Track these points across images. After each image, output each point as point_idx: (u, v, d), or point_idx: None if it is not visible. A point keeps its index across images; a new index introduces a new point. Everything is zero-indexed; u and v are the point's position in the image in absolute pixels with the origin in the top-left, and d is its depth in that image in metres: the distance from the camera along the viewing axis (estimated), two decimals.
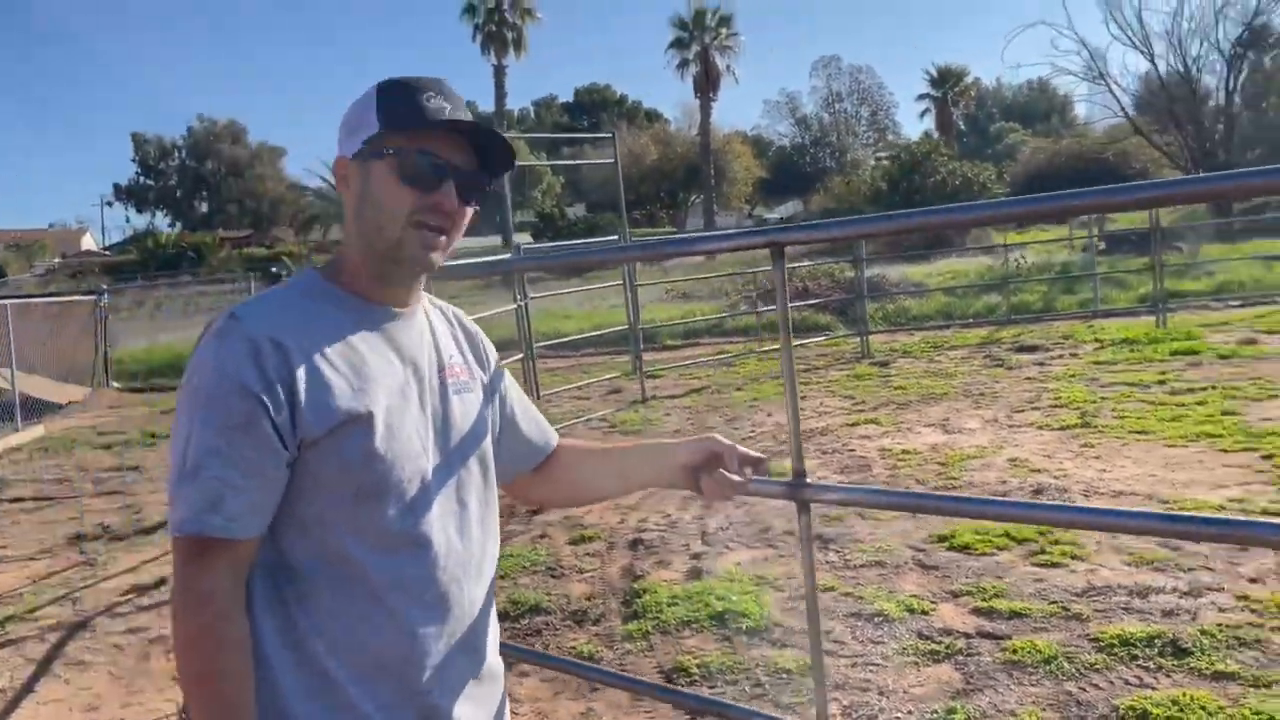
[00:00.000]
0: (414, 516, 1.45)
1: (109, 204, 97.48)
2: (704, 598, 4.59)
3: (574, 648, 4.28)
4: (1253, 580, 4.26)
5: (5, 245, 53.46)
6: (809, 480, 1.76)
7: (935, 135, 47.86)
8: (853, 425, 8.13)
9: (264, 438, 1.34)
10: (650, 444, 1.72)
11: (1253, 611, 3.95)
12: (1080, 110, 61.61)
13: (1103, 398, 8.31)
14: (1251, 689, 3.37)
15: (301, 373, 1.36)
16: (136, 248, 51.95)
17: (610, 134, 10.65)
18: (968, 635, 4.03)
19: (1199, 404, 7.68)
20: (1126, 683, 3.53)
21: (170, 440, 1.41)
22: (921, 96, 55.23)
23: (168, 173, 70.34)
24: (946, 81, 52.90)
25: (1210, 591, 4.18)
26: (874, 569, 4.85)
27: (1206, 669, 3.54)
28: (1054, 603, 4.23)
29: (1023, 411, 8.12)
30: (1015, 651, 3.82)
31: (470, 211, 1.48)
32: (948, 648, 3.93)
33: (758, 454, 1.62)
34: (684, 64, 49.62)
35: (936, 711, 3.45)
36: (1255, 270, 14.80)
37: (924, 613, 4.27)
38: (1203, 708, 3.27)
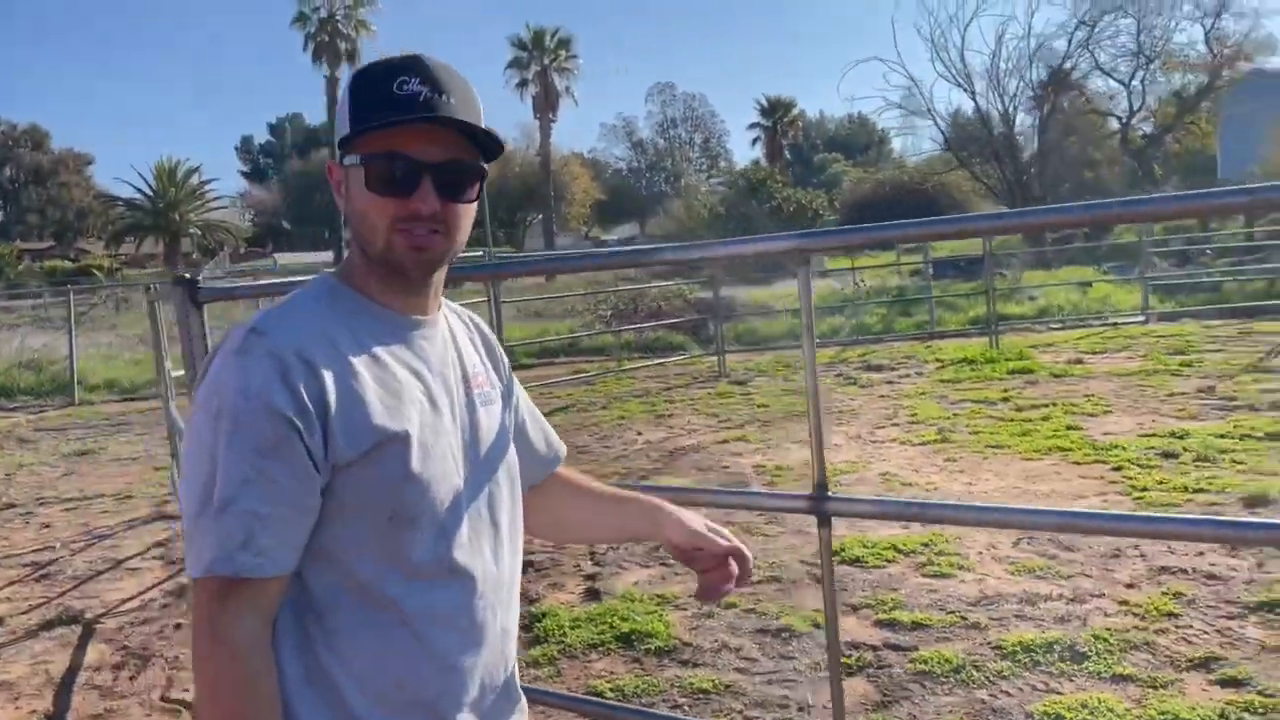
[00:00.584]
0: (448, 541, 1.34)
1: None
2: (607, 619, 4.49)
3: None
4: (1129, 586, 4.49)
5: None
6: (831, 494, 1.71)
7: (764, 163, 49.51)
8: (723, 442, 8.20)
9: (298, 463, 1.21)
10: (646, 502, 1.62)
11: (1136, 616, 4.16)
12: (896, 144, 64.97)
13: (955, 414, 8.69)
14: (1150, 689, 3.54)
15: (333, 391, 1.23)
16: None
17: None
18: (874, 648, 4.08)
19: (1044, 420, 8.13)
20: (1034, 688, 3.64)
21: (183, 470, 1.26)
22: (752, 125, 56.95)
23: None
24: (776, 112, 54.73)
25: (1093, 598, 4.38)
26: (771, 584, 4.86)
27: (1105, 672, 3.69)
28: (952, 613, 4.34)
29: (884, 428, 8.39)
30: (924, 662, 3.89)
31: (464, 206, 1.35)
32: (858, 661, 3.97)
33: (744, 549, 1.54)
34: (523, 83, 49.55)
35: None
36: (1072, 295, 15.91)
37: None
38: (1111, 710, 3.40)
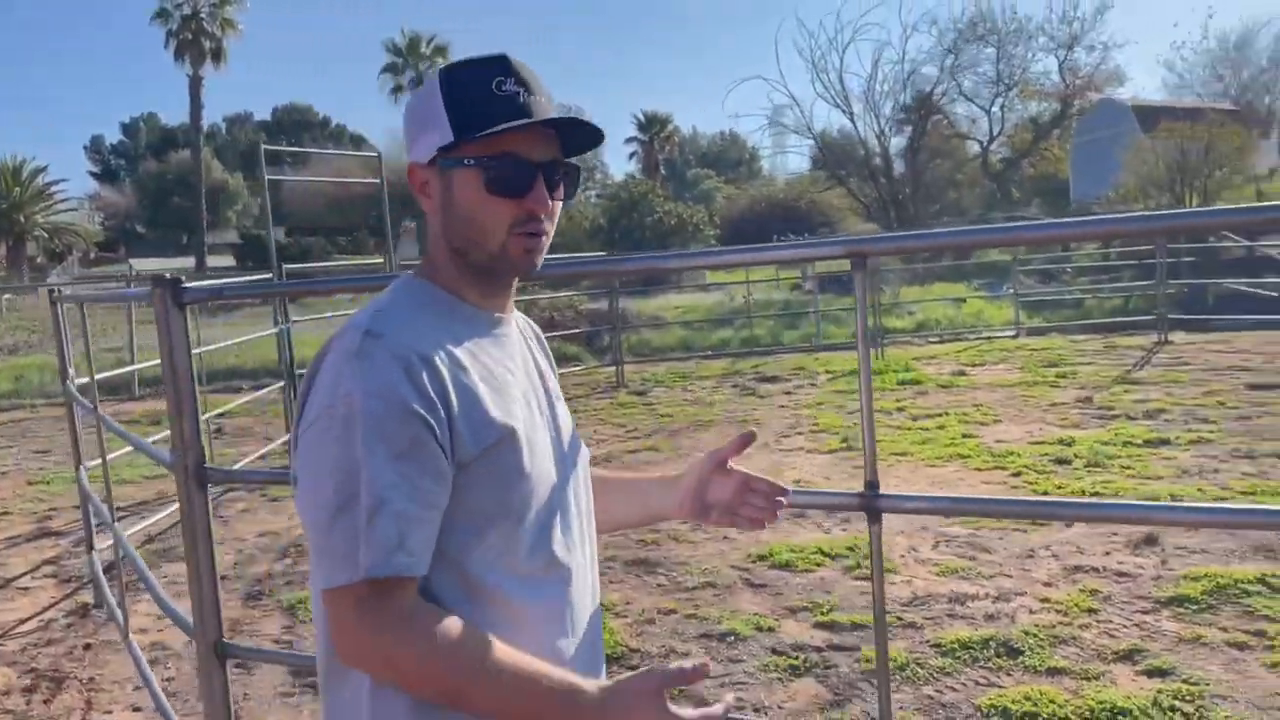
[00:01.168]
0: (549, 537, 1.35)
1: None
2: None
3: None
4: (1047, 584, 4.72)
5: None
6: (881, 491, 1.77)
7: (640, 177, 49.99)
8: (634, 452, 8.25)
9: (435, 463, 1.20)
10: (661, 477, 1.66)
11: (1059, 612, 4.38)
12: (765, 162, 66.57)
13: (855, 423, 8.95)
14: (1084, 681, 3.73)
15: (453, 390, 1.23)
16: None
17: (376, 154, 10.22)
18: (819, 649, 4.18)
19: (940, 428, 8.46)
20: (977, 683, 3.80)
21: (304, 480, 1.22)
22: (629, 139, 57.38)
23: None
24: (653, 126, 55.28)
25: (1017, 596, 4.59)
26: (707, 590, 4.92)
27: (1040, 666, 3.88)
28: (887, 613, 4.47)
29: (789, 436, 8.58)
30: (869, 661, 4.00)
31: (560, 204, 1.37)
32: (805, 662, 4.06)
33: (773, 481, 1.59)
34: (398, 89, 48.70)
35: None
36: (948, 310, 16.61)
37: (770, 629, 4.39)
38: (1052, 700, 3.58)
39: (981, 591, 4.66)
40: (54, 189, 44.77)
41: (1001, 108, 40.26)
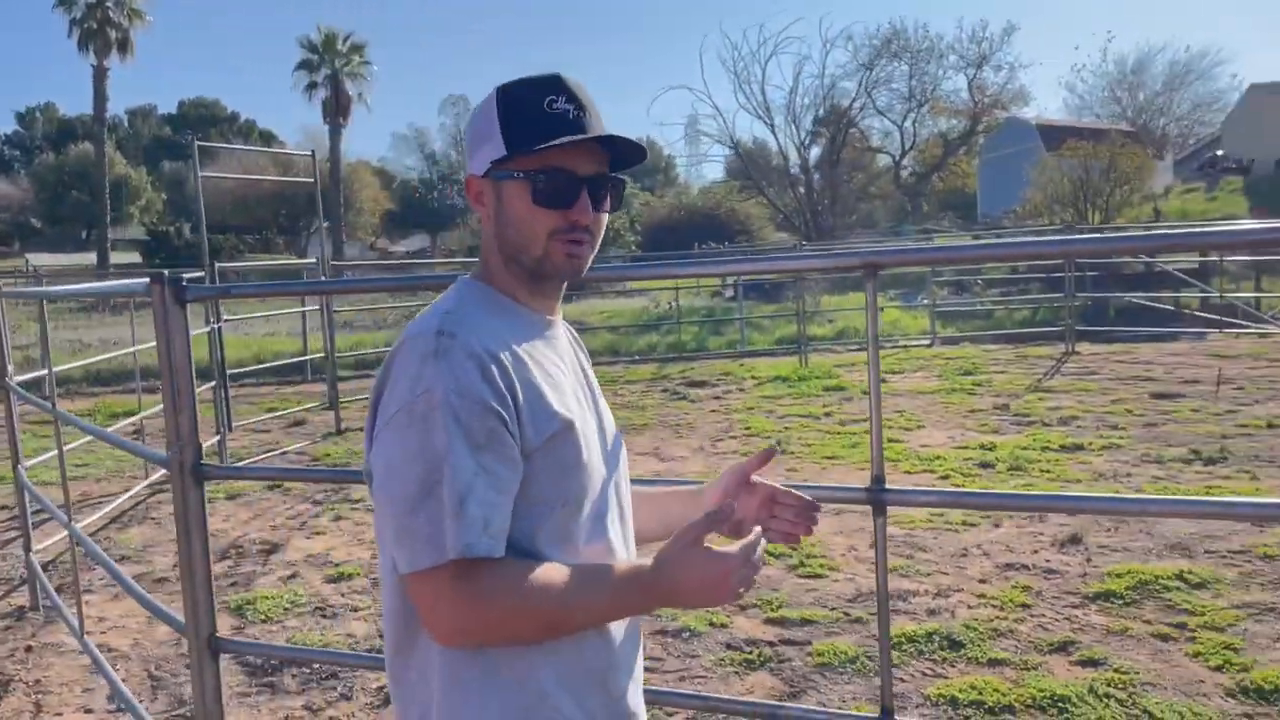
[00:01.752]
0: (603, 524, 1.47)
1: None
2: None
3: (384, 688, 4.05)
4: (982, 581, 4.96)
5: None
6: (887, 486, 1.90)
7: None
8: None
9: (509, 453, 1.31)
10: (684, 490, 1.73)
11: (995, 607, 4.60)
12: (681, 171, 67.15)
13: (786, 428, 9.18)
14: (1023, 671, 3.94)
15: (519, 385, 1.34)
16: None
17: (309, 152, 10.08)
18: (771, 644, 4.33)
19: (867, 433, 8.71)
20: (924, 674, 3.99)
21: (385, 471, 1.31)
22: None
23: None
24: None
25: (955, 592, 4.81)
26: None
27: (982, 658, 4.09)
28: (833, 609, 4.66)
29: (722, 440, 8.76)
30: (820, 655, 4.16)
31: (606, 215, 1.48)
32: (759, 656, 4.20)
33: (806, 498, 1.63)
34: (312, 86, 47.78)
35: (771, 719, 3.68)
36: (865, 319, 16.92)
37: (723, 625, 4.52)
38: (996, 690, 3.78)
39: (921, 588, 4.87)
40: None
41: (913, 123, 41.46)
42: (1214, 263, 16.82)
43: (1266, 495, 6.07)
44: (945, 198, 43.45)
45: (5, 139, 77.96)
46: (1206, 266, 17.09)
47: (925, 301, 17.05)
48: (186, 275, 2.53)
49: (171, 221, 49.18)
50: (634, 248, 30.57)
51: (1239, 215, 27.91)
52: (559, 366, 1.46)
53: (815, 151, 38.49)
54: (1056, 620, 4.42)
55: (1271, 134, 33.91)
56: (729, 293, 21.75)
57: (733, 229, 34.73)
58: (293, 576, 5.48)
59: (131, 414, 9.25)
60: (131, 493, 7.24)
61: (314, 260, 11.17)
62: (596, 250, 1.48)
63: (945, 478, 7.03)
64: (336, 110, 47.50)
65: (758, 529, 1.41)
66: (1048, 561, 5.15)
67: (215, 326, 8.04)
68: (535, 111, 1.39)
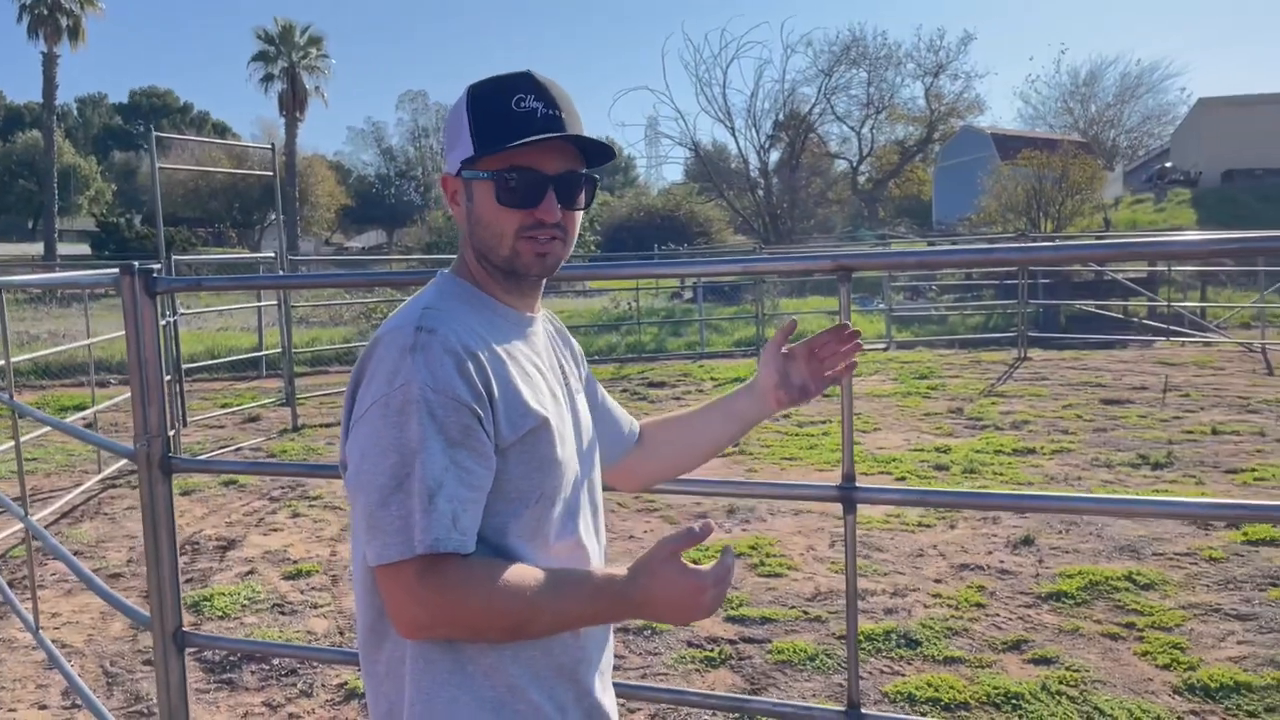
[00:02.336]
0: (574, 520, 1.49)
1: None
2: None
3: (346, 684, 4.04)
4: (937, 580, 5.04)
5: None
6: (857, 484, 1.94)
7: None
8: None
9: (483, 449, 1.33)
10: (738, 390, 1.80)
11: (950, 607, 4.69)
12: (640, 172, 67.25)
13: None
14: (978, 669, 4.03)
15: (495, 381, 1.36)
16: None
17: (270, 145, 9.97)
18: (732, 641, 4.37)
19: (824, 435, 8.81)
20: (882, 671, 4.06)
21: (357, 462, 1.32)
22: None
23: None
24: None
25: (911, 592, 4.89)
26: None
27: (938, 656, 4.16)
28: (793, 608, 4.71)
29: None
30: (780, 652, 4.22)
31: (579, 213, 1.48)
32: (720, 654, 4.24)
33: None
34: (269, 78, 47.20)
35: (741, 714, 3.73)
36: (823, 321, 17.18)
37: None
38: (952, 687, 3.85)
39: (878, 588, 4.94)
40: None
41: (871, 129, 41.86)
42: (1162, 272, 17.20)
43: (1211, 498, 6.24)
44: (901, 204, 43.93)
45: None
46: (1154, 276, 17.47)
47: (882, 306, 17.25)
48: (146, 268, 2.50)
49: (121, 212, 48.34)
50: (594, 247, 30.55)
51: (1186, 226, 28.56)
52: (536, 364, 1.47)
53: (775, 156, 38.83)
54: (1010, 620, 4.51)
55: (1218, 147, 34.71)
56: (688, 294, 21.86)
57: (692, 231, 34.88)
58: (250, 573, 5.44)
59: (82, 407, 9.12)
60: (83, 487, 7.13)
61: (271, 255, 11.04)
62: (571, 248, 1.49)
63: (902, 479, 7.13)
64: (293, 104, 46.99)
65: (728, 547, 1.43)
66: (1001, 562, 5.25)
67: (171, 320, 7.93)
68: (503, 110, 1.39)
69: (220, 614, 4.84)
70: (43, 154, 44.07)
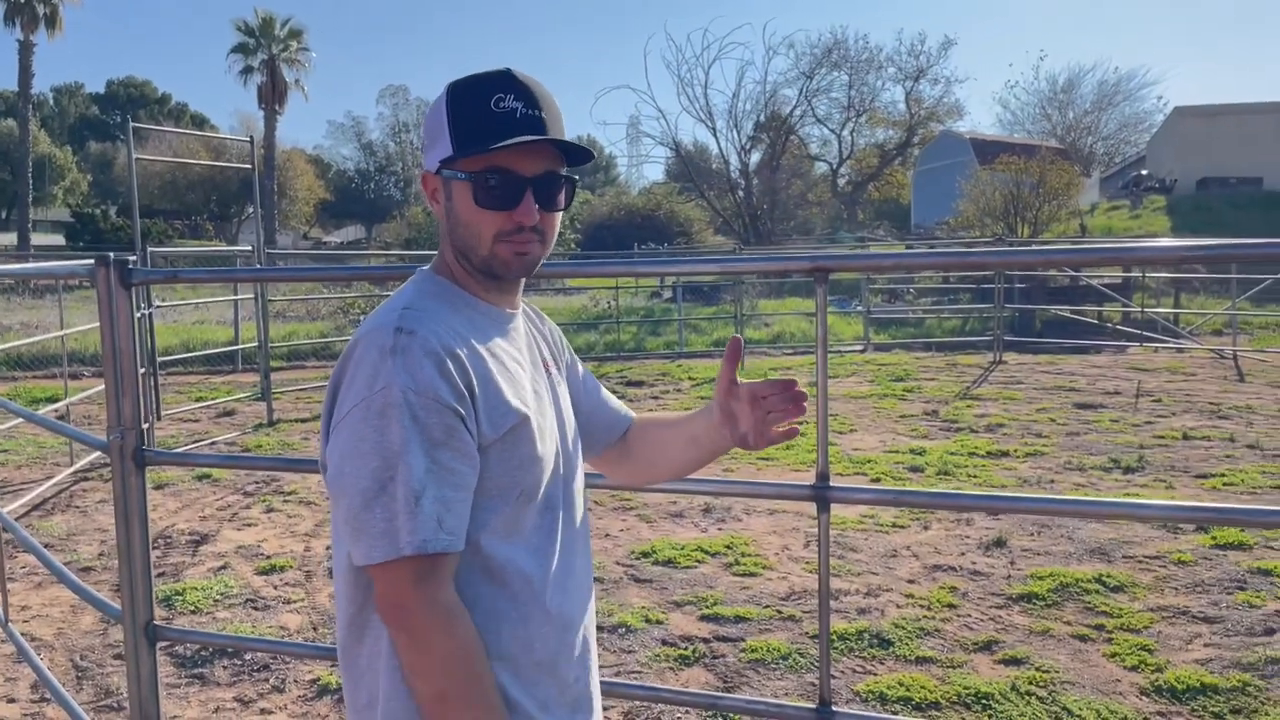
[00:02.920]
0: (553, 516, 1.50)
1: None
2: None
3: (318, 680, 4.03)
4: (910, 581, 5.08)
5: None
6: (831, 483, 1.96)
7: None
8: None
9: (466, 449, 1.33)
10: (701, 410, 1.71)
11: (923, 607, 4.72)
12: (621, 172, 67.25)
13: None
14: (949, 669, 4.06)
15: (476, 381, 1.36)
16: None
17: (249, 138, 9.90)
18: (706, 640, 4.39)
19: (801, 435, 8.83)
20: (855, 671, 4.08)
21: (339, 465, 1.32)
22: None
23: None
24: None
25: (884, 592, 4.93)
26: (595, 584, 5.06)
27: (910, 656, 4.19)
28: (767, 607, 4.74)
29: None
30: (754, 651, 4.24)
31: (558, 214, 1.48)
32: (694, 652, 4.26)
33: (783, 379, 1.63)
34: (248, 71, 46.84)
35: (714, 711, 3.75)
36: (801, 323, 17.28)
37: (659, 622, 4.57)
38: (923, 686, 3.88)
39: (852, 588, 4.97)
40: None
41: (851, 132, 42.01)
42: (1136, 278, 17.37)
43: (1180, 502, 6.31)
44: (881, 207, 44.13)
45: None
46: (1129, 282, 17.65)
47: (860, 308, 17.34)
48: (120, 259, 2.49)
49: (97, 203, 47.86)
50: (574, 245, 30.55)
51: (1160, 233, 28.85)
52: (517, 360, 1.48)
53: (755, 157, 38.92)
54: (981, 620, 4.55)
55: (1193, 155, 35.07)
56: (667, 294, 21.88)
57: (672, 231, 34.90)
58: (223, 568, 5.40)
59: (54, 399, 9.03)
60: (54, 480, 7.07)
61: (248, 248, 10.97)
62: (550, 248, 1.49)
63: (876, 480, 7.17)
64: (272, 96, 46.62)
65: None
66: (974, 564, 5.29)
67: (146, 312, 7.87)
68: (482, 110, 1.39)
69: (192, 608, 4.81)
70: (18, 143, 43.58)
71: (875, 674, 4.04)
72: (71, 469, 7.43)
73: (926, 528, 5.94)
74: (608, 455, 1.79)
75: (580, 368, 1.76)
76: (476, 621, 1.36)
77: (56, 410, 8.07)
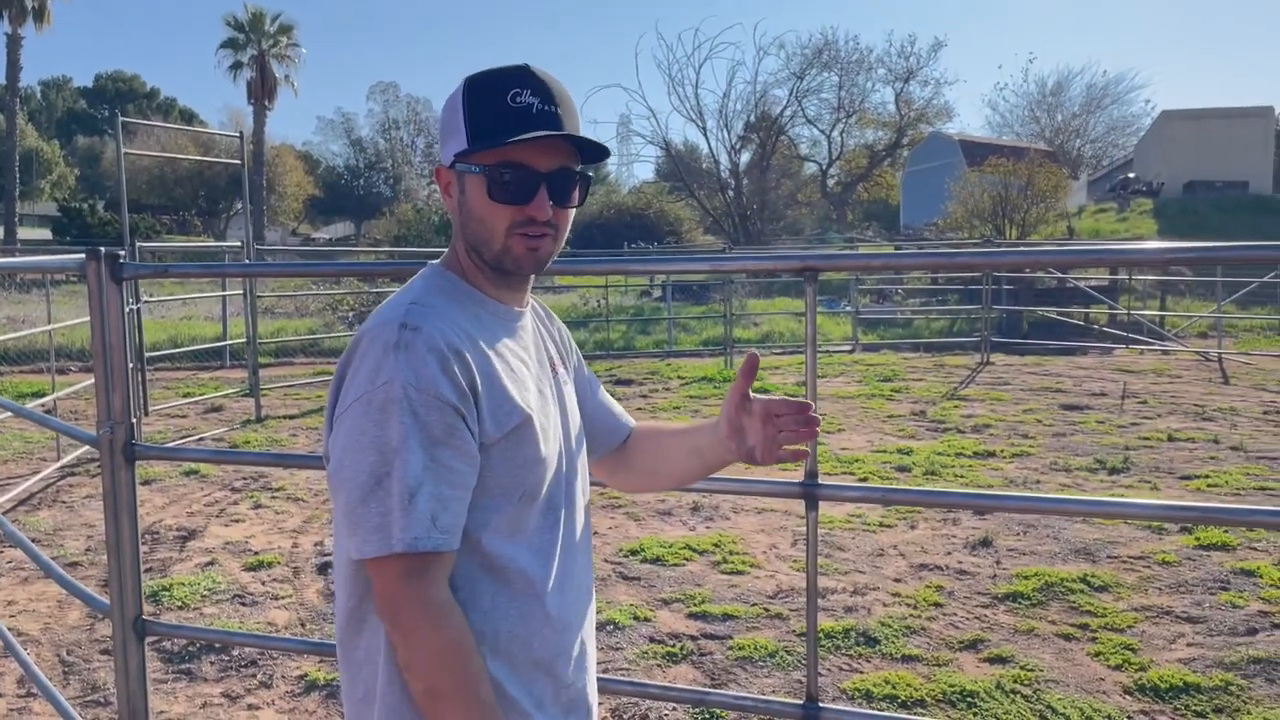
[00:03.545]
0: (555, 517, 1.50)
1: None
2: None
3: (305, 675, 4.03)
4: (897, 580, 5.11)
5: None
6: (820, 481, 1.98)
7: None
8: None
9: (466, 448, 1.33)
10: (707, 422, 1.66)
11: (909, 606, 4.75)
12: (611, 170, 67.17)
13: None
14: (935, 667, 4.09)
15: (480, 379, 1.36)
16: None
17: (238, 133, 9.88)
18: (693, 638, 4.41)
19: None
20: (841, 669, 4.10)
21: (338, 459, 1.33)
22: None
23: None
24: None
25: (871, 590, 4.95)
26: None
27: (896, 654, 4.22)
28: (754, 605, 4.76)
29: None
30: (741, 649, 4.26)
31: (572, 210, 1.48)
32: (681, 649, 4.27)
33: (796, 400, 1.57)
34: (237, 66, 46.68)
35: (702, 707, 3.76)
36: (790, 323, 17.32)
37: (647, 619, 4.59)
38: (909, 684, 3.91)
39: (839, 586, 5.00)
40: None
41: (841, 133, 42.13)
42: (1123, 280, 17.47)
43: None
44: (869, 208, 44.24)
45: None
46: (1116, 284, 17.74)
47: (849, 309, 17.38)
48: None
49: (84, 198, 47.55)
50: (564, 244, 30.53)
51: (1147, 236, 29.00)
52: (523, 359, 1.47)
53: (745, 157, 39.01)
54: (967, 619, 4.58)
55: (1181, 158, 35.25)
56: (657, 292, 21.89)
57: (662, 230, 34.92)
58: (210, 564, 5.40)
59: (41, 394, 9.00)
60: (41, 475, 7.04)
61: (237, 244, 10.94)
62: (561, 244, 1.49)
63: (864, 480, 7.20)
64: (261, 92, 46.48)
65: None
66: (960, 563, 5.32)
67: (134, 307, 7.84)
68: (498, 104, 1.39)
69: (180, 604, 4.80)
70: (5, 137, 43.26)
71: (862, 672, 4.06)
72: (58, 464, 7.40)
73: (913, 527, 5.97)
74: (606, 461, 1.77)
75: (586, 370, 1.75)
76: (476, 617, 1.37)
77: (44, 405, 8.04)
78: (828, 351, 15.58)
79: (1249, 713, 3.67)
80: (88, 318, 2.47)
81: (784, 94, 38.87)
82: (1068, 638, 4.34)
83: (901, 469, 7.54)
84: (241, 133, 9.80)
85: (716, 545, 5.60)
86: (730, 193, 36.89)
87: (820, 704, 2.05)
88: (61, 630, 4.53)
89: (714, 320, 16.75)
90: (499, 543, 1.39)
